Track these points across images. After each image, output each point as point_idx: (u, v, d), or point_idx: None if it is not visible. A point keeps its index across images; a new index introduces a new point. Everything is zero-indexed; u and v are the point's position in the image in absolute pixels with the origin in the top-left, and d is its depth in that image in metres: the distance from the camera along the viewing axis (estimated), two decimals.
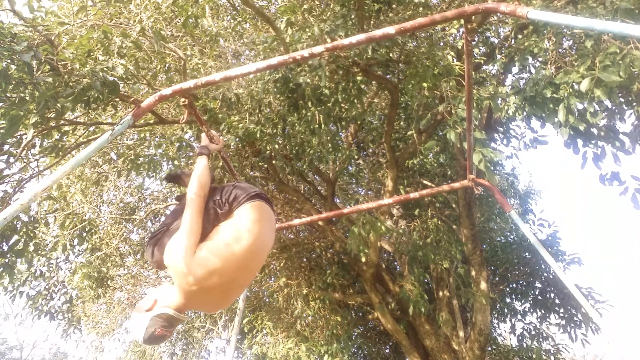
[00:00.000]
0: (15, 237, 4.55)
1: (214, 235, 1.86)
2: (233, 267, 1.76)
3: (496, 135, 7.49)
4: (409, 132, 7.10)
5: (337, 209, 7.27)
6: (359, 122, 7.51)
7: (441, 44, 5.96)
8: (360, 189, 9.82)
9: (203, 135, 2.41)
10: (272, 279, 8.47)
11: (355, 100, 5.33)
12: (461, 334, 7.18)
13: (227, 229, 1.87)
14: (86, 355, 11.64)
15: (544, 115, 3.84)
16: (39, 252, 6.08)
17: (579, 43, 4.13)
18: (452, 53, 5.73)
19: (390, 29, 1.74)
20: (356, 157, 8.61)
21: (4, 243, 4.51)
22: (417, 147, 6.67)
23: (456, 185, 3.10)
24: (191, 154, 6.16)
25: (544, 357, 8.14)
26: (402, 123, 7.87)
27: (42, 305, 7.70)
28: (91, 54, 3.95)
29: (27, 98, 3.34)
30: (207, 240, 1.84)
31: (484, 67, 6.67)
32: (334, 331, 7.33)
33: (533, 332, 8.70)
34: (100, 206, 8.33)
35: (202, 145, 2.28)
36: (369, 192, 9.34)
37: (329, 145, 5.87)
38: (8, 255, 4.49)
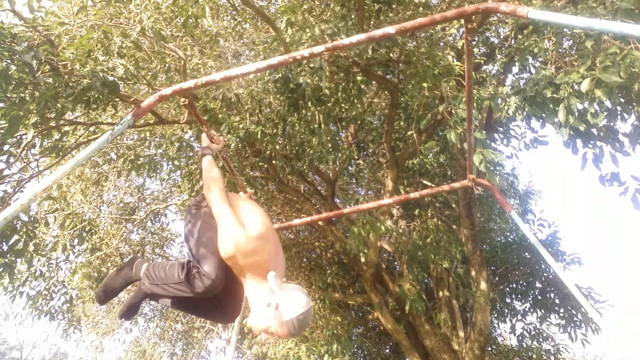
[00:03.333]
0: (15, 237, 4.55)
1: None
2: (265, 222, 2.00)
3: (496, 136, 7.49)
4: (409, 132, 7.09)
5: (337, 209, 7.27)
6: (359, 122, 7.50)
7: (441, 44, 5.96)
8: (360, 189, 9.82)
9: (203, 135, 2.41)
10: None
11: (355, 100, 5.33)
12: (461, 334, 7.18)
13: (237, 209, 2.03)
14: (86, 355, 11.64)
15: (544, 115, 3.84)
16: (39, 252, 6.07)
17: (579, 43, 4.13)
18: (452, 53, 5.72)
19: (390, 29, 1.74)
20: (356, 157, 8.60)
21: (4, 243, 4.50)
22: (417, 147, 6.67)
23: (456, 185, 3.10)
24: (191, 154, 6.16)
25: (544, 357, 8.14)
26: (402, 123, 7.86)
27: (42, 305, 7.69)
28: (91, 54, 3.95)
29: (27, 98, 3.33)
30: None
31: (484, 67, 6.67)
32: (334, 331, 7.33)
33: (533, 332, 8.70)
34: (100, 206, 8.33)
35: (204, 146, 2.30)
36: (369, 192, 9.34)
37: (329, 145, 5.87)
38: (8, 255, 4.49)
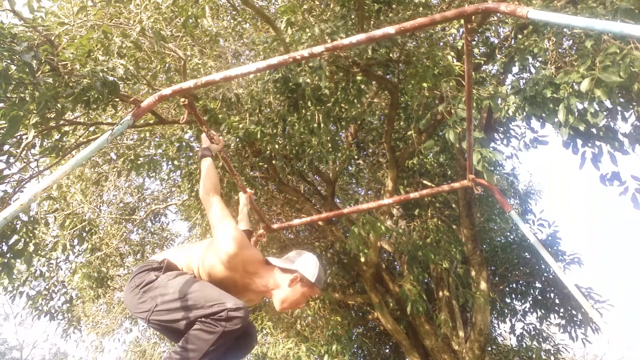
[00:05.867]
0: (15, 237, 4.55)
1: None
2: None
3: (496, 135, 7.49)
4: (409, 132, 7.10)
5: (337, 209, 7.27)
6: (359, 122, 7.51)
7: (441, 44, 5.96)
8: (360, 189, 9.82)
9: (203, 135, 2.40)
10: None
11: (355, 100, 5.33)
12: (461, 334, 7.18)
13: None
14: (86, 355, 11.64)
15: (544, 115, 3.84)
16: (39, 252, 6.07)
17: (579, 43, 4.13)
18: (452, 53, 5.73)
19: (390, 29, 1.73)
20: (356, 157, 8.60)
21: (4, 243, 4.50)
22: (417, 147, 6.67)
23: (456, 185, 3.10)
24: (191, 154, 6.16)
25: (544, 357, 8.14)
26: (402, 123, 7.86)
27: (42, 305, 7.69)
28: (91, 54, 3.95)
29: (27, 98, 3.34)
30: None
31: (484, 67, 6.67)
32: (334, 331, 7.33)
33: (533, 332, 8.70)
34: (100, 206, 8.33)
35: (204, 147, 2.30)
36: (369, 192, 9.34)
37: (329, 145, 5.87)
38: (8, 255, 4.49)
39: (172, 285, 1.82)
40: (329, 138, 5.75)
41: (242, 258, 1.87)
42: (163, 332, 1.91)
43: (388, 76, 6.15)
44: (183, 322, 1.71)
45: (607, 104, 3.81)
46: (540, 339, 8.61)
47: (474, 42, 4.57)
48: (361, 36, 1.79)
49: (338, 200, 8.89)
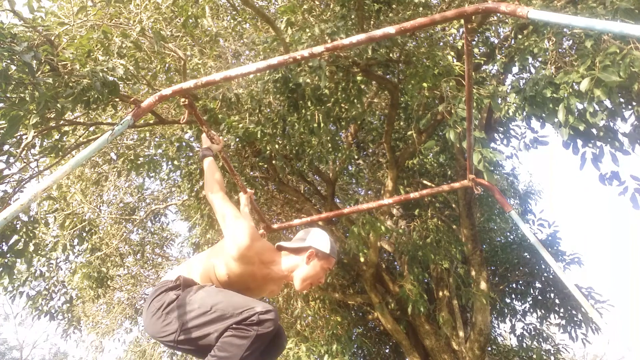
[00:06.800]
0: (15, 237, 4.55)
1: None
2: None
3: (496, 135, 7.49)
4: (409, 132, 7.09)
5: (337, 209, 7.27)
6: (359, 122, 7.50)
7: (441, 44, 5.96)
8: (360, 189, 9.82)
9: (204, 136, 2.40)
10: None
11: (355, 100, 5.33)
12: (461, 334, 7.17)
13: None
14: (86, 355, 11.64)
15: (544, 115, 3.84)
16: (39, 252, 6.07)
17: (579, 43, 4.13)
18: (452, 53, 5.73)
19: (390, 29, 1.73)
20: (356, 157, 8.60)
21: (4, 243, 4.50)
22: (417, 147, 6.67)
23: (456, 185, 3.10)
24: (191, 154, 6.16)
25: (544, 357, 8.14)
26: (402, 123, 7.86)
27: (42, 305, 7.69)
28: (91, 54, 3.95)
29: (27, 98, 3.33)
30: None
31: (484, 67, 6.67)
32: (334, 331, 7.33)
33: (533, 332, 8.70)
34: (100, 206, 8.33)
35: (204, 147, 2.30)
36: (369, 192, 9.34)
37: (329, 145, 5.87)
38: (8, 255, 4.49)
39: (195, 300, 1.76)
40: (329, 138, 5.75)
41: (255, 249, 1.88)
42: (193, 352, 1.83)
43: (388, 76, 6.15)
44: (214, 335, 1.66)
45: (607, 103, 3.81)
46: (541, 339, 8.61)
47: (474, 42, 4.57)
48: (361, 36, 1.79)
49: (338, 200, 8.89)
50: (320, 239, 1.99)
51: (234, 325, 1.64)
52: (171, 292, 1.84)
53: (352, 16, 4.89)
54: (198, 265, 2.03)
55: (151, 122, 5.65)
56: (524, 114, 3.97)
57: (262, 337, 1.64)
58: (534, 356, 7.98)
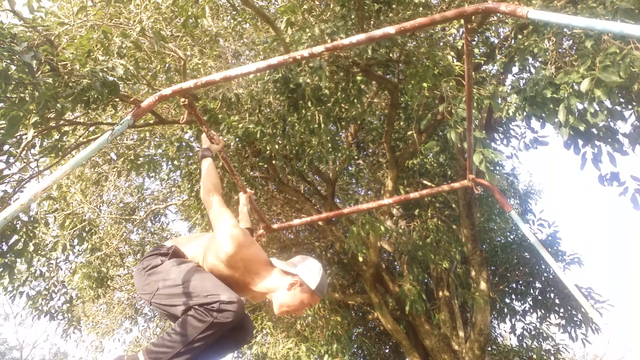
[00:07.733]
0: (15, 237, 4.55)
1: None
2: None
3: (496, 135, 7.49)
4: (409, 132, 7.09)
5: (337, 209, 7.27)
6: (359, 122, 7.50)
7: (441, 44, 5.96)
8: (360, 189, 9.82)
9: (203, 136, 2.40)
10: None
11: (355, 100, 5.33)
12: (461, 334, 7.17)
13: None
14: (86, 355, 11.63)
15: (544, 115, 3.84)
16: (39, 252, 6.08)
17: (579, 43, 4.13)
18: (452, 53, 5.72)
19: (390, 29, 1.73)
20: (356, 157, 8.60)
21: (4, 243, 4.51)
22: (417, 147, 6.67)
23: (456, 185, 3.10)
24: (191, 154, 6.16)
25: (544, 357, 8.14)
26: (402, 123, 7.86)
27: (42, 305, 7.69)
28: (91, 54, 3.95)
29: (27, 98, 3.33)
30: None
31: (484, 67, 6.67)
32: (334, 331, 7.33)
33: (533, 332, 8.70)
34: (100, 206, 8.33)
35: (204, 147, 2.30)
36: (369, 192, 9.34)
37: (329, 145, 5.87)
38: (8, 255, 4.49)
39: (174, 271, 1.86)
40: (329, 138, 5.75)
41: (241, 257, 1.87)
42: (164, 314, 1.96)
43: (388, 76, 6.15)
44: (180, 308, 1.74)
45: (607, 104, 3.81)
46: (540, 339, 8.61)
47: (474, 42, 4.57)
48: (361, 36, 1.79)
49: (338, 200, 8.89)
50: (310, 272, 1.89)
51: (196, 307, 1.69)
52: (159, 257, 1.98)
53: (352, 16, 4.89)
54: (195, 244, 2.12)
55: (151, 122, 5.65)
56: (524, 114, 3.97)
57: (219, 326, 1.67)
58: (534, 356, 7.98)
